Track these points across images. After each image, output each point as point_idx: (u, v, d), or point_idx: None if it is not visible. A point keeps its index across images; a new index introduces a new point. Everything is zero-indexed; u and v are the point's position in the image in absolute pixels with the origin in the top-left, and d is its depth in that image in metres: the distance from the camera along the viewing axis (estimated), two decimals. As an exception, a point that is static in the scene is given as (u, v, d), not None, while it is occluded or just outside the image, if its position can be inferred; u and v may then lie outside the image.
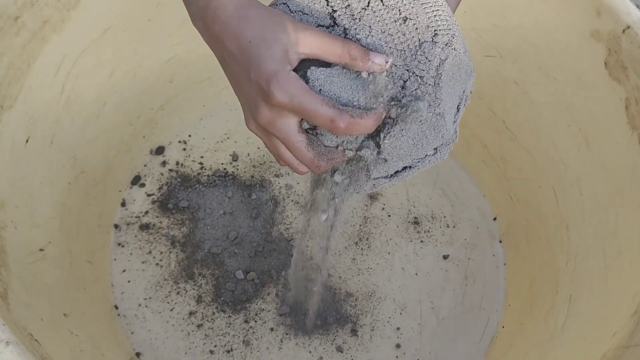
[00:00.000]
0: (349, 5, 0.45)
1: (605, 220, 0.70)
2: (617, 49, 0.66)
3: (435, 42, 0.45)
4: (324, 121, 0.42)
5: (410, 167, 0.49)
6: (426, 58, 0.44)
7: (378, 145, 0.46)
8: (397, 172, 0.49)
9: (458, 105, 0.49)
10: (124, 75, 0.85)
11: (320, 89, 0.43)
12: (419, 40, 0.45)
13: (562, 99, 0.77)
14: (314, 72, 0.43)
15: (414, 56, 0.44)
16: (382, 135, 0.45)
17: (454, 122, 0.48)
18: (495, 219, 0.94)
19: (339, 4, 0.45)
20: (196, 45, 0.91)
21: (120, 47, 0.81)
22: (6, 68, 0.65)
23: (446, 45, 0.45)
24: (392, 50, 0.44)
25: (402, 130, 0.45)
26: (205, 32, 0.47)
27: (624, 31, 0.65)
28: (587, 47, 0.70)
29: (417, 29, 0.45)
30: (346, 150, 0.46)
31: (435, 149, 0.48)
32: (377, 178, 0.49)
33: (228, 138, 0.99)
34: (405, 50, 0.44)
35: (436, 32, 0.45)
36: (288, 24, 0.42)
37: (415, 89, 0.44)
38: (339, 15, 0.45)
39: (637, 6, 0.69)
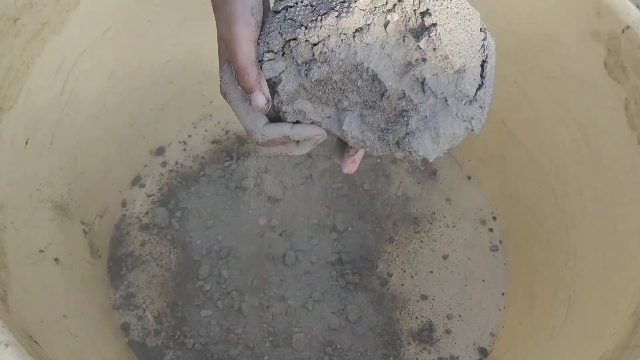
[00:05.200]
0: None
1: (605, 220, 0.70)
2: (617, 49, 0.66)
3: None
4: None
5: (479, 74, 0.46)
6: None
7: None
8: (477, 91, 0.46)
9: None
10: (123, 76, 0.85)
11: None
12: None
13: (562, 99, 0.77)
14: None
15: None
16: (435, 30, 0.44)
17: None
18: (495, 218, 0.94)
19: None
20: (196, 46, 0.91)
21: (120, 48, 0.81)
22: (6, 69, 0.65)
23: None
24: None
25: (445, 26, 0.44)
26: None
27: (623, 31, 0.65)
28: (587, 47, 0.70)
29: None
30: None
31: (480, 29, 0.46)
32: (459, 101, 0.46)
33: (228, 138, 0.99)
34: None
35: None
36: (232, 17, 0.46)
37: None
38: None
39: (637, 6, 0.69)
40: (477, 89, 0.46)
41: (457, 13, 0.44)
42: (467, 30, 0.45)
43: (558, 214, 0.80)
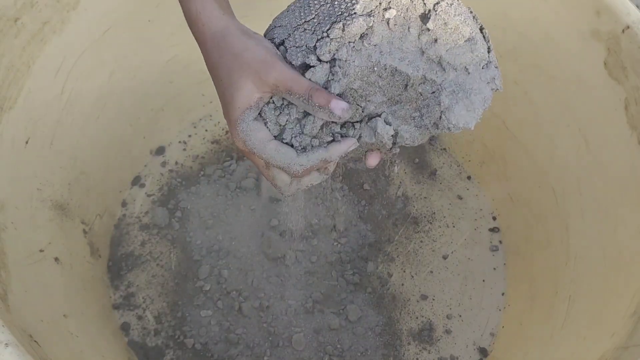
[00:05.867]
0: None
1: (605, 220, 0.70)
2: (617, 49, 0.66)
3: None
4: (259, 165, 0.50)
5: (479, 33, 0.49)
6: None
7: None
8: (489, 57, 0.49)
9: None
10: (124, 76, 0.85)
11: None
12: None
13: (562, 99, 0.77)
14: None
15: None
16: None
17: None
18: (495, 218, 0.94)
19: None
20: (196, 46, 0.91)
21: (120, 48, 0.81)
22: (6, 69, 0.65)
23: None
24: None
25: (447, 1, 0.47)
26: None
27: (623, 31, 0.65)
28: (587, 47, 0.70)
29: None
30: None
31: None
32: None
33: (228, 138, 0.99)
34: None
35: None
36: (254, 64, 0.46)
37: None
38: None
39: (637, 6, 0.69)
40: (488, 51, 0.48)
41: None
42: (459, 5, 0.47)
43: (558, 214, 0.80)
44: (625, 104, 0.66)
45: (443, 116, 0.47)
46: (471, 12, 0.48)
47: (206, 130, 0.99)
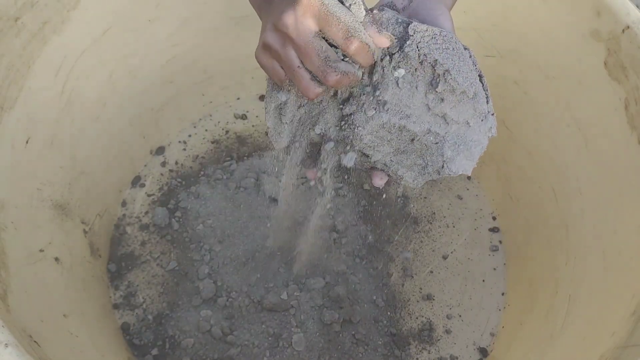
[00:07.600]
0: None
1: (605, 220, 0.70)
2: (617, 49, 0.66)
3: None
4: (340, 31, 0.45)
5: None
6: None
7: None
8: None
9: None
10: (124, 75, 0.85)
11: None
12: None
13: (562, 99, 0.77)
14: None
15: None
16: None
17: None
18: (495, 218, 0.94)
19: None
20: (196, 46, 0.92)
21: (120, 47, 0.81)
22: (6, 69, 0.65)
23: None
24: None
25: (454, 68, 0.47)
26: None
27: (623, 31, 0.65)
28: (587, 47, 0.70)
29: None
30: (358, 71, 0.47)
31: (464, 48, 0.49)
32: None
33: (228, 138, 0.99)
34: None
35: None
36: None
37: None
38: None
39: (637, 6, 0.69)
40: (487, 102, 0.50)
41: (453, 49, 0.48)
42: (464, 60, 0.48)
43: (558, 214, 0.80)
44: (625, 104, 0.66)
45: (445, 165, 0.50)
46: (470, 57, 0.49)
47: (206, 130, 0.99)
